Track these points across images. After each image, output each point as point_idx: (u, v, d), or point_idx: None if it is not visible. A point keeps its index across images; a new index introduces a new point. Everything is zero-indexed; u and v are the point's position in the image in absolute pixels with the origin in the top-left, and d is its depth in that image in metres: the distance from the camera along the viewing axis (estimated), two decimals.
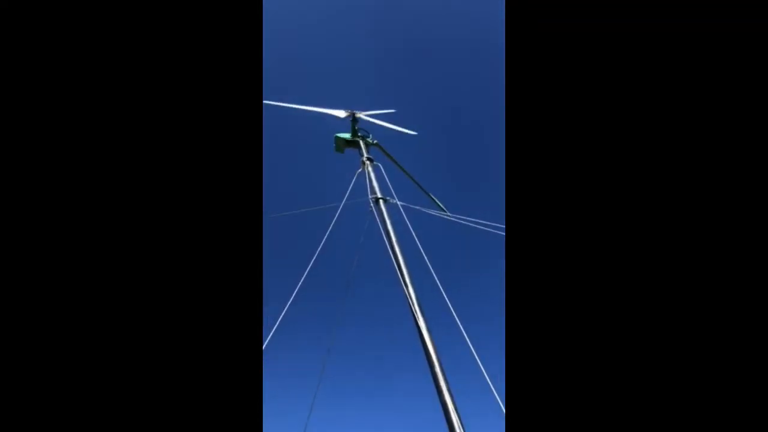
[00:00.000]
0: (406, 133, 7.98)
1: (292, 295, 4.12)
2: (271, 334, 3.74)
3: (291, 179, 16.82)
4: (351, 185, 5.68)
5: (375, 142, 7.01)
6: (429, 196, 5.77)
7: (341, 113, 7.44)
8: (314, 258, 4.48)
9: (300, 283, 4.23)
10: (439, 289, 4.31)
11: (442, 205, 6.26)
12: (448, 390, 3.51)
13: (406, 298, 4.23)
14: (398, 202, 5.43)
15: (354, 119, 7.34)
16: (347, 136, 7.07)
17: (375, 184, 5.74)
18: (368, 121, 7.55)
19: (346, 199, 5.38)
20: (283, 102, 7.56)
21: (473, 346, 3.64)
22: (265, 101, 7.54)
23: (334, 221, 5.06)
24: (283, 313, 3.91)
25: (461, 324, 3.83)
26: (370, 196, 5.48)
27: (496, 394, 3.23)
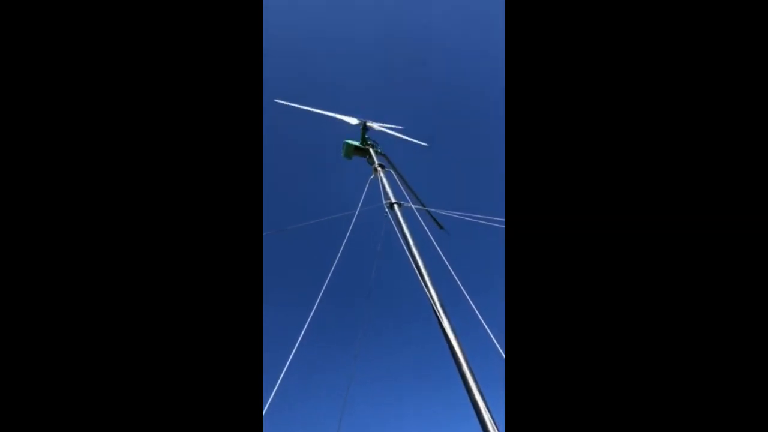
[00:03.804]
0: (418, 144, 7.98)
1: (312, 309, 4.14)
2: (296, 346, 3.76)
3: (294, 191, 16.99)
4: (364, 192, 5.70)
5: (382, 152, 7.02)
6: (429, 212, 5.69)
7: (353, 120, 7.49)
8: (332, 269, 4.49)
9: (320, 295, 4.24)
10: (461, 289, 4.27)
11: (440, 224, 6.19)
12: (479, 389, 3.46)
13: (428, 300, 4.20)
14: (412, 206, 5.41)
15: (365, 127, 7.38)
16: (357, 143, 7.10)
17: (389, 189, 5.74)
18: (379, 131, 7.57)
19: (361, 206, 5.39)
20: (294, 103, 7.59)
21: (498, 343, 3.57)
22: (276, 100, 7.63)
23: (350, 229, 5.07)
24: (306, 326, 3.92)
25: (484, 321, 3.76)
26: (384, 202, 5.48)
27: None
